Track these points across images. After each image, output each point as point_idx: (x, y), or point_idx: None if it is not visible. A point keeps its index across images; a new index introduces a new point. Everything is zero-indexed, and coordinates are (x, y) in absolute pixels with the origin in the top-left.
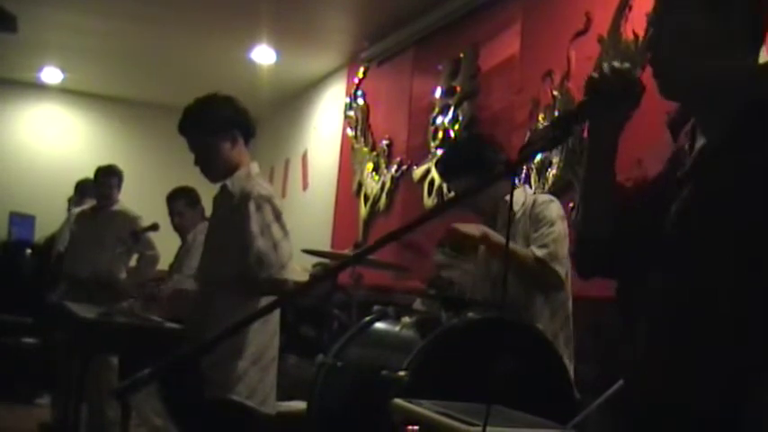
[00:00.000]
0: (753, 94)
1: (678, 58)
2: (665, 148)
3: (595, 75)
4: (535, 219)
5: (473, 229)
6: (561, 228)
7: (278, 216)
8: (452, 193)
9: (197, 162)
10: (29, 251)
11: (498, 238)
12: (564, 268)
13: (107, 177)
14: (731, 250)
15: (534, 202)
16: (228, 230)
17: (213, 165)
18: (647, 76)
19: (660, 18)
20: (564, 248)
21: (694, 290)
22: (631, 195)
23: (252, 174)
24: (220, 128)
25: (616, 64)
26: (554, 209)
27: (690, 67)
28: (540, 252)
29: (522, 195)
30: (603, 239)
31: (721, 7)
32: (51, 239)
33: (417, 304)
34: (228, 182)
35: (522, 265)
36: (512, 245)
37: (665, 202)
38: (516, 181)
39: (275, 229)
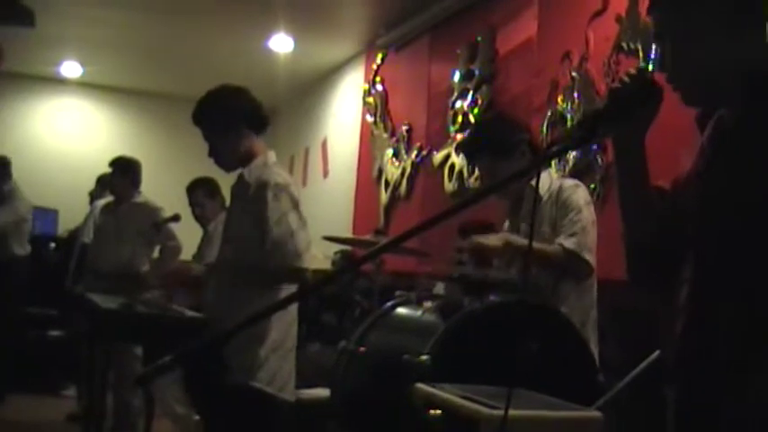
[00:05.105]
0: (762, 72)
1: (691, 66)
2: (698, 145)
3: (616, 85)
4: (562, 205)
5: (495, 240)
6: (588, 214)
7: (295, 204)
8: (476, 173)
9: (210, 153)
10: (53, 245)
11: (522, 241)
12: (593, 255)
13: (113, 168)
14: (748, 231)
15: (560, 187)
16: (246, 219)
17: (225, 155)
18: None
19: (663, 34)
20: (592, 235)
21: (715, 277)
22: (671, 197)
23: (269, 162)
24: (231, 119)
25: (632, 70)
26: (581, 195)
27: (704, 68)
28: (568, 243)
29: (547, 179)
30: (646, 245)
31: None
32: (75, 233)
33: (439, 288)
34: (245, 171)
35: (550, 262)
36: (539, 244)
37: (692, 195)
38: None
39: (292, 217)
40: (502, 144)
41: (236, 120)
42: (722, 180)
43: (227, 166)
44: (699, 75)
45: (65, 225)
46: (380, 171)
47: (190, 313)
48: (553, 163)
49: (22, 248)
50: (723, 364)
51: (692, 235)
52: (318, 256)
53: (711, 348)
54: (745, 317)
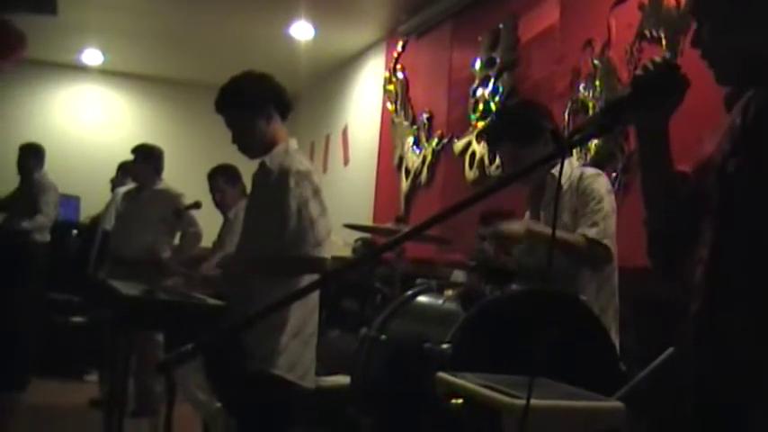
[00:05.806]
0: None
1: (726, 46)
2: (722, 127)
3: (640, 72)
4: (582, 193)
5: (517, 226)
6: (609, 202)
7: (316, 192)
8: (497, 161)
9: (234, 140)
10: (75, 232)
11: (543, 228)
12: (613, 242)
13: (136, 155)
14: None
15: (581, 175)
16: (267, 207)
17: (250, 142)
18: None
19: (702, 12)
20: (613, 224)
21: (736, 258)
22: (693, 180)
23: (290, 150)
24: (256, 105)
25: (657, 58)
26: (602, 183)
27: (742, 50)
28: (591, 232)
29: (567, 168)
30: (669, 233)
31: None
32: (96, 220)
33: (456, 276)
34: (267, 158)
35: (572, 250)
36: (561, 232)
37: (715, 175)
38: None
39: (313, 205)
40: (526, 130)
41: (260, 106)
42: (745, 164)
43: (251, 152)
44: (736, 56)
45: (87, 212)
46: (401, 159)
47: (211, 300)
48: (575, 151)
49: (42, 235)
50: (738, 361)
51: (710, 215)
52: (339, 243)
53: (726, 338)
54: (758, 307)
